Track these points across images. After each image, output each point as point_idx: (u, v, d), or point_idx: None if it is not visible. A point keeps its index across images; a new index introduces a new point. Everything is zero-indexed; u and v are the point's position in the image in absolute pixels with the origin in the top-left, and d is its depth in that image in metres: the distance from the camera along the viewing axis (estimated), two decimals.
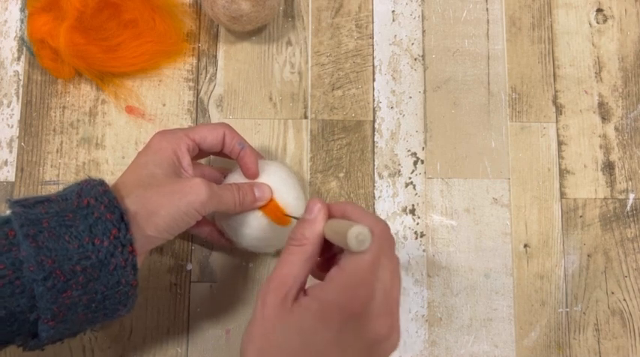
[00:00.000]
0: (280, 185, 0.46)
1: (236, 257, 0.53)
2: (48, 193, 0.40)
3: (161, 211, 0.38)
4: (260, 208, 0.45)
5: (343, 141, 0.56)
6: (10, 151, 0.54)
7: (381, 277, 0.36)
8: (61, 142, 0.55)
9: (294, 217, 0.46)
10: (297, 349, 0.34)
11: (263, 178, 0.46)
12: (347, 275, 0.35)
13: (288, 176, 0.48)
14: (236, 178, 0.47)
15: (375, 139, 0.56)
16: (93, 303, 0.36)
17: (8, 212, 0.36)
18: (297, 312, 0.35)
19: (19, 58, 0.56)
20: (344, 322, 0.35)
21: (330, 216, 0.38)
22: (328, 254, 0.40)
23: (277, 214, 0.45)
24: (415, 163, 0.56)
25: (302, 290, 0.37)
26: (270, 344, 0.35)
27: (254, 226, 0.45)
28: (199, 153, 0.46)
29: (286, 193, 0.46)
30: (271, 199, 0.46)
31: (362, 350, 0.35)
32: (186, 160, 0.43)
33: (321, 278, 0.38)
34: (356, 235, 0.33)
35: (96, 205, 0.36)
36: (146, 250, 0.39)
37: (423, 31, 0.58)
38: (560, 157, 0.56)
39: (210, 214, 0.49)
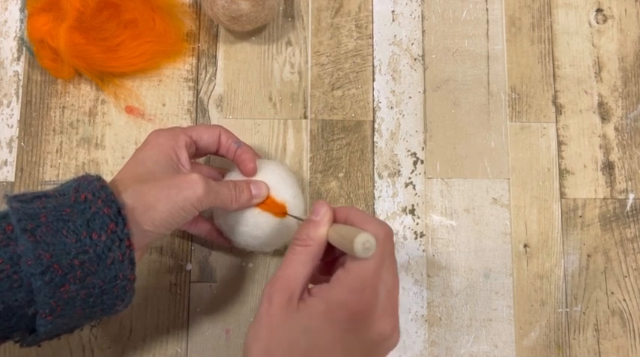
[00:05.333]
0: (278, 183, 0.46)
1: (236, 257, 0.53)
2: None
3: (158, 205, 0.38)
4: (257, 205, 0.45)
5: (343, 141, 0.56)
6: (10, 151, 0.54)
7: (384, 278, 0.37)
8: (61, 142, 0.55)
9: (294, 217, 0.46)
10: (304, 348, 0.35)
11: (260, 177, 0.46)
12: (354, 277, 0.36)
13: (287, 175, 0.48)
14: (234, 176, 0.47)
15: (375, 139, 0.56)
16: (91, 297, 0.36)
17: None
18: (305, 311, 0.36)
19: (18, 58, 0.56)
20: (350, 321, 0.35)
21: (333, 220, 0.39)
22: (328, 258, 0.40)
23: (275, 210, 0.45)
24: (415, 163, 0.56)
25: (306, 290, 0.37)
26: (276, 343, 0.35)
27: (251, 224, 0.45)
28: (196, 152, 0.46)
29: (284, 191, 0.46)
30: (268, 197, 0.46)
31: (366, 349, 0.36)
32: (183, 156, 0.43)
33: (320, 282, 0.39)
34: (362, 242, 0.34)
35: (93, 200, 0.36)
36: (143, 244, 0.39)
37: (423, 31, 0.58)
38: (560, 157, 0.56)
39: (209, 212, 0.49)
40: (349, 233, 0.36)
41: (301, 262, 0.37)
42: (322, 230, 0.38)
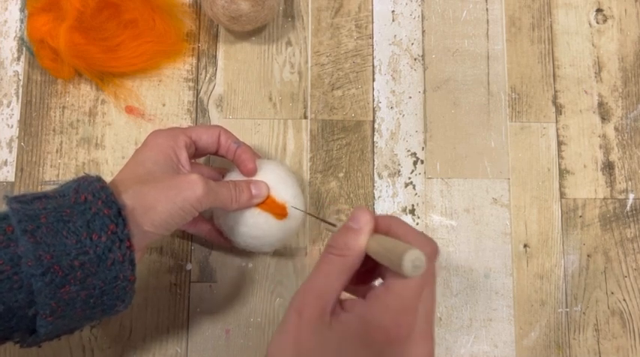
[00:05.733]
0: (278, 183, 0.46)
1: (236, 257, 0.53)
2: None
3: (158, 206, 0.38)
4: (257, 205, 0.45)
5: (343, 141, 0.56)
6: (10, 151, 0.54)
7: (424, 299, 0.34)
8: (61, 142, 0.55)
9: (297, 209, 0.46)
10: None
11: (260, 176, 0.46)
12: (395, 297, 0.33)
13: (286, 175, 0.48)
14: (234, 176, 0.47)
15: (375, 139, 0.56)
16: (91, 298, 0.36)
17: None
18: (338, 329, 0.33)
19: (18, 58, 0.56)
20: (386, 344, 0.33)
21: (374, 231, 0.36)
22: (362, 269, 0.37)
23: (275, 209, 0.45)
24: (415, 163, 0.56)
25: (338, 304, 0.35)
26: None
27: (250, 224, 0.45)
28: (196, 152, 0.46)
29: (284, 191, 0.46)
30: (268, 197, 0.46)
31: None
32: (183, 156, 0.43)
33: (349, 291, 0.37)
34: (413, 260, 0.31)
35: (93, 201, 0.36)
36: (143, 245, 0.39)
37: (423, 31, 0.58)
38: (560, 157, 0.56)
39: (209, 212, 0.49)
40: (396, 248, 0.32)
41: (336, 273, 0.34)
42: (362, 240, 0.35)
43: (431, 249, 0.34)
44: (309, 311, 0.33)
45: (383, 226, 0.36)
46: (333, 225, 0.42)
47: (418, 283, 0.33)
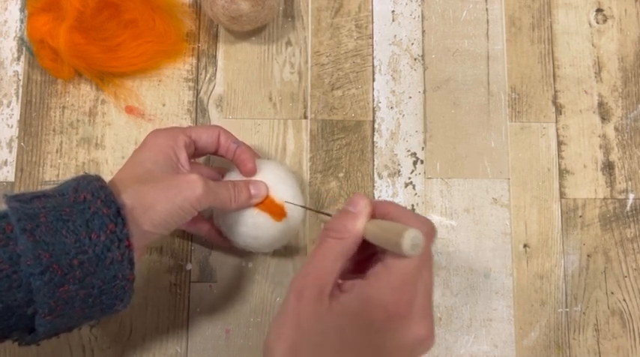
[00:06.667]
0: (277, 183, 0.46)
1: (236, 257, 0.53)
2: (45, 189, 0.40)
3: (157, 206, 0.38)
4: (256, 205, 0.45)
5: (343, 141, 0.56)
6: (10, 151, 0.54)
7: (424, 277, 0.35)
8: (61, 142, 0.55)
9: (295, 204, 0.46)
10: (334, 349, 0.33)
11: (260, 177, 0.46)
12: (394, 274, 0.34)
13: (286, 175, 0.48)
14: (234, 176, 0.47)
15: (375, 139, 0.56)
16: (90, 297, 0.36)
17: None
18: (337, 309, 0.34)
19: (18, 58, 0.56)
20: (386, 321, 0.33)
21: (371, 217, 0.37)
22: (358, 257, 0.38)
23: (274, 210, 0.45)
24: (415, 163, 0.56)
25: (336, 286, 0.35)
26: (304, 342, 0.33)
27: (249, 224, 0.45)
28: (195, 152, 0.46)
29: (283, 192, 0.46)
30: (267, 197, 0.46)
31: (401, 351, 0.34)
32: (183, 156, 0.43)
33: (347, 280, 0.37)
34: (412, 238, 0.31)
35: (92, 200, 0.36)
36: (143, 244, 0.39)
37: (423, 31, 0.58)
38: (560, 157, 0.56)
39: (209, 212, 0.49)
40: (394, 228, 0.33)
41: (334, 256, 0.35)
42: (360, 223, 0.35)
43: (428, 228, 0.35)
44: (308, 294, 0.34)
45: (380, 211, 0.37)
46: (330, 215, 0.43)
47: (418, 261, 0.34)
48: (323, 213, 0.45)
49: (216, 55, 0.57)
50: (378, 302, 0.33)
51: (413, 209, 0.55)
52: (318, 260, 0.35)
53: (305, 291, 0.34)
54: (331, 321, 0.33)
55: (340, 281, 0.36)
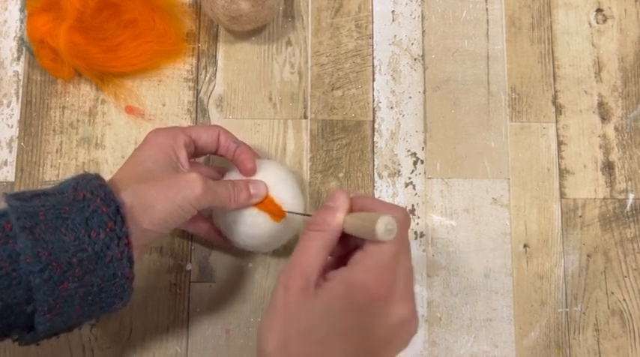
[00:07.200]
0: (277, 183, 0.46)
1: (236, 257, 0.53)
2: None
3: (156, 204, 0.38)
4: (256, 205, 0.45)
5: (343, 141, 0.56)
6: (10, 151, 0.54)
7: (402, 262, 0.36)
8: (61, 142, 0.55)
9: (294, 213, 0.46)
10: (323, 334, 0.34)
11: (260, 176, 0.46)
12: (373, 258, 0.35)
13: (286, 175, 0.48)
14: (234, 176, 0.47)
15: (375, 139, 0.56)
16: (89, 296, 0.36)
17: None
18: (323, 296, 0.35)
19: (18, 58, 0.56)
20: (371, 304, 0.35)
21: (350, 209, 0.39)
22: (340, 252, 0.40)
23: (273, 210, 0.45)
24: (415, 163, 0.56)
25: (321, 276, 0.37)
26: (294, 331, 0.34)
27: (248, 224, 0.45)
28: (195, 151, 0.46)
29: (283, 191, 0.46)
30: (267, 197, 0.46)
31: (387, 334, 0.36)
32: (183, 155, 0.43)
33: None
34: (385, 223, 0.34)
35: (92, 198, 0.36)
36: (142, 243, 0.39)
37: (423, 31, 0.58)
38: (560, 157, 0.56)
39: (209, 211, 0.49)
40: (369, 217, 0.35)
41: (316, 248, 0.37)
42: (339, 216, 0.37)
43: (401, 215, 0.37)
44: (295, 284, 0.35)
45: (358, 205, 0.39)
46: (304, 214, 0.45)
47: (394, 246, 0.35)
48: None
49: (216, 55, 0.57)
50: (360, 285, 0.35)
51: (413, 209, 0.55)
52: (302, 253, 0.37)
53: (291, 282, 0.35)
54: (318, 307, 0.35)
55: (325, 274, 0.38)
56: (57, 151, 0.54)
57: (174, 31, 0.56)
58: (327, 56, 0.57)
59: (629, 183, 0.56)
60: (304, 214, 0.48)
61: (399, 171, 0.55)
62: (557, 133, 0.57)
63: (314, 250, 0.37)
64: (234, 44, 0.57)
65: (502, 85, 0.57)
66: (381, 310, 0.35)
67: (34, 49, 0.54)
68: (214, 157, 0.54)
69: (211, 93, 0.56)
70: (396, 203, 0.55)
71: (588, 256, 0.55)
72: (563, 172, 0.56)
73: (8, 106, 0.55)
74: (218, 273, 0.53)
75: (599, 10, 0.59)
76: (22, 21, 0.57)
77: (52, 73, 0.55)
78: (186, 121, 0.56)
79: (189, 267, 0.53)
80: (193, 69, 0.57)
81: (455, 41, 0.58)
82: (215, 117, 0.56)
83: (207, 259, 0.53)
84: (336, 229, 0.37)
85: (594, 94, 0.58)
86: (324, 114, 0.56)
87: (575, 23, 0.59)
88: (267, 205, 0.45)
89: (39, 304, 0.35)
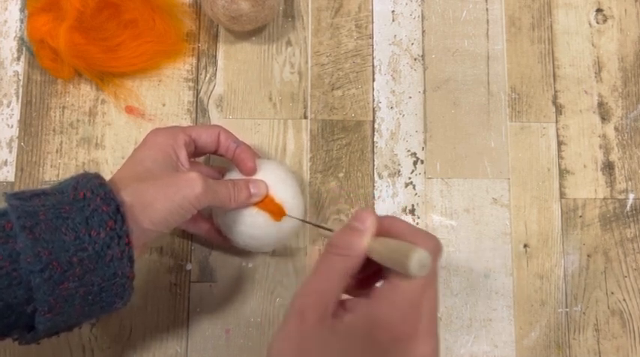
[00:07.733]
0: (277, 183, 0.46)
1: (236, 257, 0.53)
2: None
3: (156, 204, 0.38)
4: (256, 204, 0.45)
5: (343, 141, 0.56)
6: (10, 151, 0.54)
7: (428, 296, 0.33)
8: (61, 142, 0.55)
9: (295, 218, 0.46)
10: None
11: (260, 176, 0.46)
12: (400, 294, 0.33)
13: (286, 175, 0.48)
14: (234, 176, 0.47)
15: (375, 139, 0.56)
16: (89, 295, 0.36)
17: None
18: (341, 330, 0.33)
19: (18, 58, 0.56)
20: (392, 344, 0.32)
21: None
22: (361, 275, 0.36)
23: (273, 209, 0.45)
24: (415, 163, 0.56)
25: (339, 304, 0.34)
26: None
27: (248, 223, 0.45)
28: (195, 151, 0.46)
29: (283, 191, 0.46)
30: (267, 196, 0.46)
31: None
32: (183, 155, 0.43)
33: (352, 296, 0.36)
34: (419, 260, 0.30)
35: (92, 198, 0.36)
36: (142, 242, 0.39)
37: (423, 31, 0.58)
38: (560, 157, 0.56)
39: (209, 211, 0.49)
40: (401, 248, 0.32)
41: (338, 274, 0.34)
42: (365, 241, 0.34)
43: (434, 246, 0.34)
44: (311, 314, 0.33)
45: (384, 226, 0.35)
46: (331, 230, 0.41)
47: (424, 280, 0.32)
48: (324, 228, 0.44)
49: (216, 55, 0.57)
50: (383, 323, 0.32)
51: (413, 209, 0.55)
52: (321, 279, 0.34)
53: (307, 311, 0.33)
54: (335, 343, 0.32)
55: (343, 296, 0.35)
56: (57, 151, 0.54)
57: (174, 31, 0.56)
58: (327, 56, 0.57)
59: (629, 183, 0.56)
60: (319, 226, 0.47)
61: (399, 171, 0.55)
62: (557, 133, 0.57)
63: (335, 277, 0.34)
64: (234, 44, 0.57)
65: (502, 85, 0.57)
66: (402, 349, 0.32)
67: (34, 49, 0.54)
68: (214, 157, 0.54)
69: (211, 93, 0.56)
70: (395, 203, 0.55)
71: (588, 256, 0.55)
72: (563, 172, 0.56)
73: (8, 106, 0.55)
74: (218, 273, 0.53)
75: (599, 10, 0.59)
76: (22, 21, 0.57)
77: (52, 73, 0.55)
78: (186, 121, 0.56)
79: (189, 267, 0.53)
80: (193, 69, 0.57)
81: (455, 41, 0.58)
82: (215, 117, 0.56)
83: (207, 259, 0.53)
84: (360, 255, 0.34)
85: (594, 94, 0.58)
86: (324, 114, 0.56)
87: (575, 23, 0.59)
88: (267, 204, 0.45)
89: (39, 303, 0.35)
